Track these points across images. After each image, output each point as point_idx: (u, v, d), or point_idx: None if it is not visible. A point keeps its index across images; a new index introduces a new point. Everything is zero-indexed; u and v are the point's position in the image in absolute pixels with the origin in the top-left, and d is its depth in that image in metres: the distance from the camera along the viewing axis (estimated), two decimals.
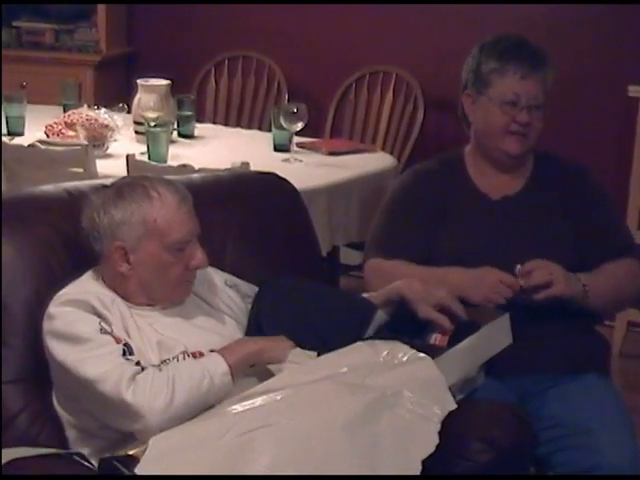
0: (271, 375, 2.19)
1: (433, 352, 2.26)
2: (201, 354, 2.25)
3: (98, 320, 2.19)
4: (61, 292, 2.26)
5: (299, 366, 2.21)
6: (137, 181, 2.32)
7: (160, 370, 2.16)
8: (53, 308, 2.22)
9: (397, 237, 2.73)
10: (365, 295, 2.47)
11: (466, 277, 2.60)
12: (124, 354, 2.15)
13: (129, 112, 4.28)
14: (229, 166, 3.41)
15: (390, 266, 2.69)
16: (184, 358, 2.23)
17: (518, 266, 2.57)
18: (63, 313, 2.20)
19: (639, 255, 2.82)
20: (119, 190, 2.29)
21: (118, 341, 2.17)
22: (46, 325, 2.22)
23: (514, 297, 2.56)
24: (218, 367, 2.17)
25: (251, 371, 2.24)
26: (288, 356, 2.25)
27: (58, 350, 2.18)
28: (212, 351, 2.26)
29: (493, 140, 2.72)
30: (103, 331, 2.17)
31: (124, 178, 2.42)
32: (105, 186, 2.36)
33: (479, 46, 2.75)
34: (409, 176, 2.85)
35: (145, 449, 2.00)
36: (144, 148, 3.82)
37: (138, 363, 2.15)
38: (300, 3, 5.19)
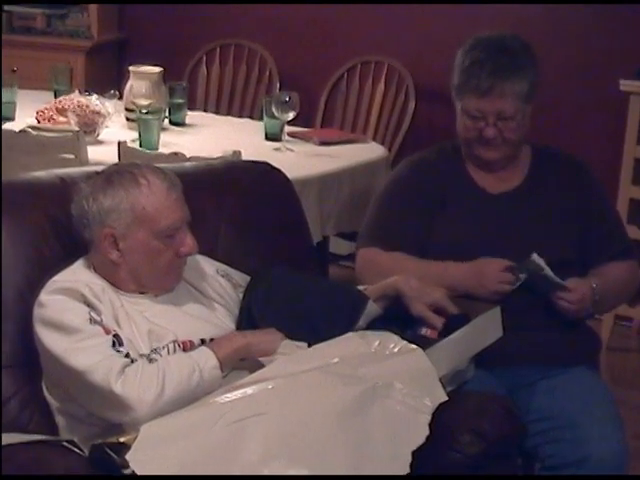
0: (262, 367, 2.20)
1: (424, 343, 2.26)
2: (191, 343, 2.26)
3: (88, 310, 2.18)
4: (52, 279, 2.25)
5: (290, 356, 2.22)
6: (126, 168, 2.32)
7: (150, 361, 2.16)
8: (44, 296, 2.22)
9: (393, 227, 2.73)
10: (360, 288, 2.47)
11: (466, 273, 2.60)
12: (113, 345, 2.14)
13: (120, 99, 4.26)
14: (220, 154, 3.41)
15: (387, 258, 2.69)
16: (174, 347, 2.23)
17: (534, 254, 2.57)
18: (53, 301, 2.20)
19: (637, 257, 2.83)
20: (108, 177, 2.29)
21: (107, 332, 2.16)
22: (36, 313, 2.21)
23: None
24: (208, 361, 2.17)
25: (242, 363, 2.25)
26: (278, 348, 2.25)
27: (47, 339, 2.17)
28: (203, 340, 2.27)
29: (468, 146, 2.73)
30: (93, 321, 2.17)
31: (113, 165, 2.42)
32: (97, 173, 2.36)
33: (460, 52, 2.71)
34: (406, 166, 2.84)
35: (136, 436, 2.00)
36: (135, 135, 3.81)
37: (128, 355, 2.15)
38: None
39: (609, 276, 2.70)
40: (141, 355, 2.18)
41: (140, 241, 2.26)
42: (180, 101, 4.28)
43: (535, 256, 2.56)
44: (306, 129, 4.36)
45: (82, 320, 2.16)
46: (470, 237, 2.68)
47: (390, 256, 2.69)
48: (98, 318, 2.18)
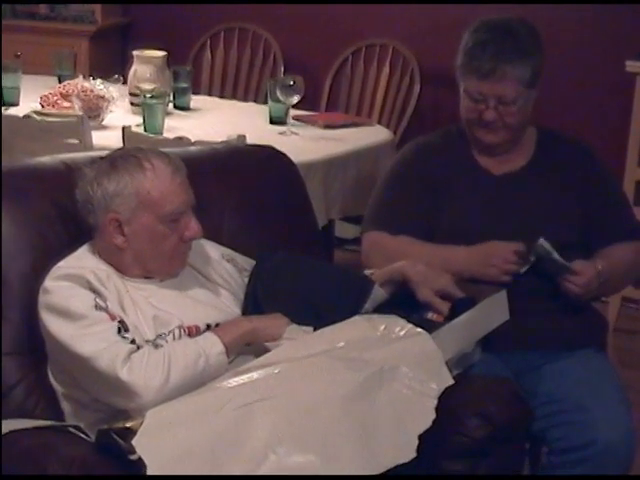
0: (268, 352, 2.19)
1: (430, 327, 2.26)
2: (197, 328, 2.26)
3: (93, 296, 2.18)
4: (57, 265, 2.25)
5: (296, 340, 2.22)
6: (130, 153, 2.32)
7: (155, 347, 2.16)
8: (49, 282, 2.21)
9: (397, 211, 2.72)
10: (367, 272, 2.47)
11: (472, 257, 2.60)
12: (119, 332, 2.14)
13: (124, 83, 4.26)
14: (225, 138, 3.40)
15: (393, 242, 2.68)
16: (180, 332, 2.23)
17: (541, 239, 2.55)
18: (59, 288, 2.19)
19: None
20: (112, 162, 2.28)
21: (113, 318, 2.16)
22: (41, 299, 2.21)
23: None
24: (214, 346, 2.17)
25: (248, 348, 2.24)
26: (284, 333, 2.25)
27: (53, 325, 2.17)
28: (208, 325, 2.26)
29: (469, 129, 2.73)
30: (98, 308, 2.16)
31: (117, 150, 2.40)
32: (101, 158, 2.35)
33: (466, 33, 2.70)
34: (410, 149, 2.83)
35: (142, 422, 1.99)
36: (140, 120, 3.80)
37: (133, 341, 2.14)
38: None
39: (615, 258, 2.69)
40: (147, 341, 2.18)
41: (145, 225, 2.25)
42: (184, 85, 4.27)
43: (542, 240, 2.55)
44: (311, 113, 4.35)
45: (88, 306, 2.16)
46: (475, 218, 2.67)
47: (396, 240, 2.68)
48: (103, 304, 2.18)
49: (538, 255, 2.56)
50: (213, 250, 2.46)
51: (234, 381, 2.06)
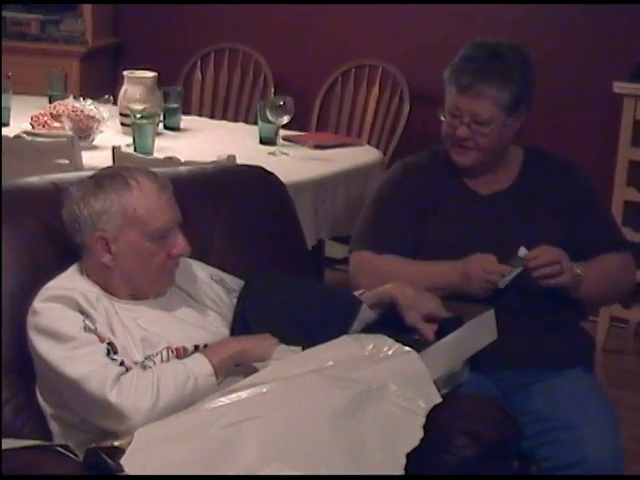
0: (257, 372, 2.19)
1: (418, 346, 2.26)
2: (185, 349, 2.25)
3: (82, 318, 2.17)
4: (46, 286, 2.24)
5: (285, 360, 2.22)
6: (116, 171, 2.32)
7: (144, 369, 2.15)
8: (38, 303, 2.20)
9: (385, 231, 2.73)
10: (357, 293, 2.47)
11: (455, 273, 2.60)
12: (108, 354, 2.14)
13: (115, 104, 4.28)
14: (215, 159, 3.41)
15: (380, 261, 2.69)
16: (167, 354, 2.23)
17: (522, 248, 2.56)
18: (48, 309, 2.19)
19: (631, 252, 2.83)
20: (98, 181, 2.28)
21: (102, 340, 2.16)
22: (30, 320, 2.20)
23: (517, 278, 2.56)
24: (203, 368, 2.16)
25: (237, 369, 2.24)
26: (273, 354, 2.25)
27: (42, 347, 2.17)
28: (196, 347, 2.26)
29: (446, 147, 2.74)
30: (87, 329, 2.16)
31: (103, 169, 2.40)
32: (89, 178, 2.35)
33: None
34: (397, 169, 2.85)
35: (131, 441, 1.99)
36: (130, 140, 3.81)
37: (122, 363, 2.14)
38: None
39: (599, 264, 2.69)
40: (135, 363, 2.17)
41: (132, 243, 2.25)
42: (174, 106, 4.28)
43: (521, 251, 2.55)
44: (301, 133, 4.36)
45: (77, 328, 2.15)
46: (462, 238, 2.68)
47: (382, 259, 2.69)
48: (92, 326, 2.17)
49: (519, 267, 2.56)
50: (201, 271, 2.46)
51: (222, 401, 2.06)
